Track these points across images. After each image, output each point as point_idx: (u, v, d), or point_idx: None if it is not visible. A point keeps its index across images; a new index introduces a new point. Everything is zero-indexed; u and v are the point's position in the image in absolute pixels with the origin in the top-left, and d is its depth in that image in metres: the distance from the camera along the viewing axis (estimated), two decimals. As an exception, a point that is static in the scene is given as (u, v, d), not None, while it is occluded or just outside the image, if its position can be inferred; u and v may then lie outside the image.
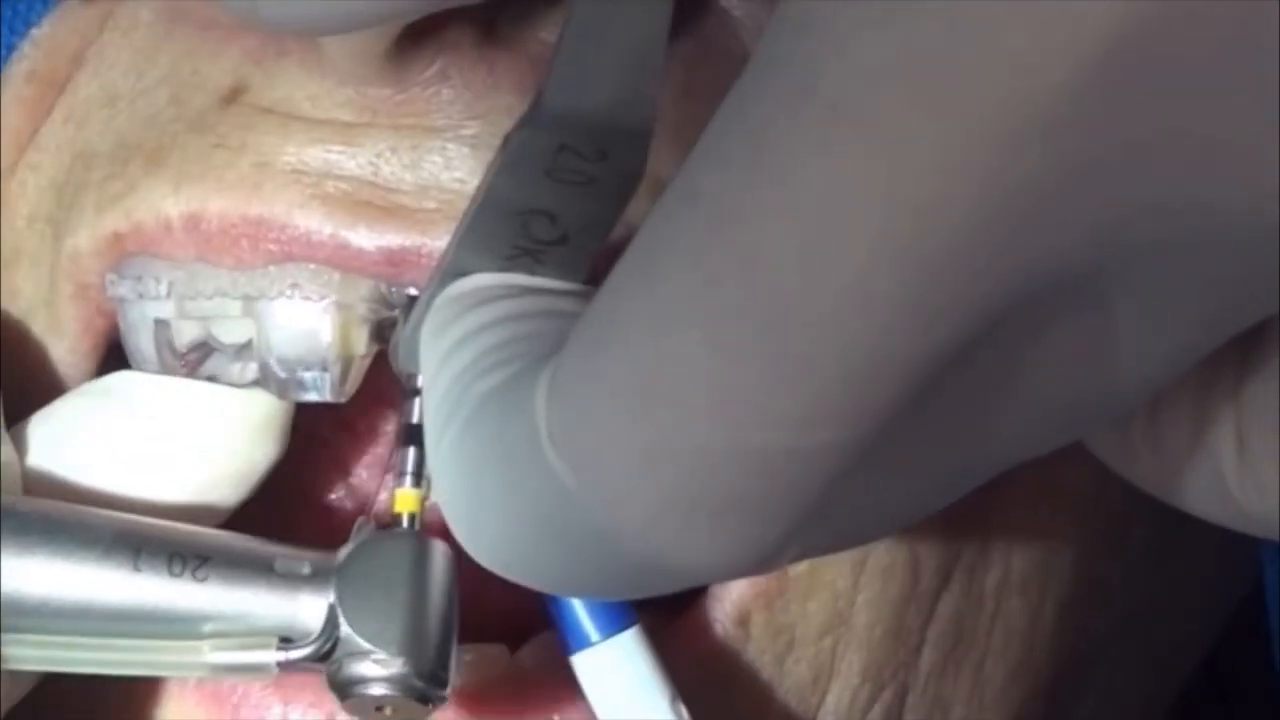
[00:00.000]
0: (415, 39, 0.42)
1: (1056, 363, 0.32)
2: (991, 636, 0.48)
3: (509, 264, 0.39)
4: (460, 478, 0.36)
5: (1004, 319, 0.30)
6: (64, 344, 0.46)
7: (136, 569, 0.40)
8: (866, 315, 0.29)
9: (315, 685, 0.42)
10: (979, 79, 0.28)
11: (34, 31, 0.45)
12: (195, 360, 0.45)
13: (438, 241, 0.42)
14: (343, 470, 0.49)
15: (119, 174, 0.44)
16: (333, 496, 0.49)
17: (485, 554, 0.36)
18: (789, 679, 0.46)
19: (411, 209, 0.43)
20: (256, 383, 0.44)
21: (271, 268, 0.43)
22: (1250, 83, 0.28)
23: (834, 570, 0.45)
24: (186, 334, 0.44)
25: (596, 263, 0.39)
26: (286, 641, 0.41)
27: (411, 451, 0.43)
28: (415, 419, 0.43)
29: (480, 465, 0.35)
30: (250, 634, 0.40)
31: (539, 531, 0.34)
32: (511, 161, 0.38)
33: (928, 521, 0.36)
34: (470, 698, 0.43)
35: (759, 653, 0.45)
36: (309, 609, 0.41)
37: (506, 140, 0.38)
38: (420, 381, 0.40)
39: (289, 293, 0.43)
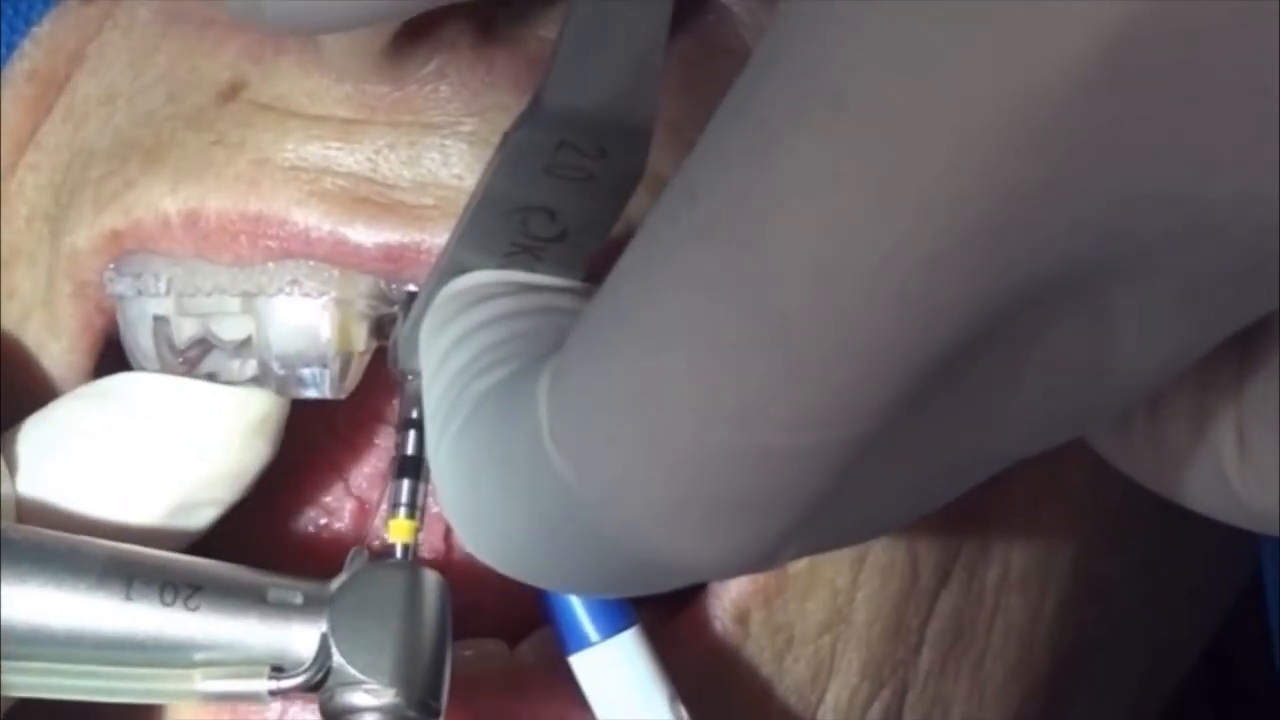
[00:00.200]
0: (413, 36, 0.42)
1: (1057, 360, 0.32)
2: (991, 634, 0.48)
3: (508, 261, 0.39)
4: (460, 475, 0.36)
5: (1004, 317, 0.30)
6: (62, 343, 0.46)
7: (128, 598, 0.40)
8: (867, 313, 0.29)
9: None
10: (980, 79, 0.28)
11: (34, 31, 0.45)
12: (194, 357, 0.45)
13: (436, 238, 0.42)
14: (338, 471, 0.49)
15: (117, 172, 0.44)
16: (329, 499, 0.49)
17: (485, 550, 0.36)
18: (788, 676, 0.46)
19: (410, 205, 0.43)
20: (256, 379, 0.44)
21: (270, 264, 0.43)
22: (1250, 82, 0.28)
23: (833, 568, 0.45)
24: (185, 331, 0.44)
25: (596, 260, 0.39)
26: (279, 670, 0.41)
27: (406, 483, 0.43)
28: (410, 451, 0.43)
29: (481, 463, 0.35)
30: (242, 663, 0.41)
31: (539, 528, 0.34)
32: (511, 158, 0.38)
33: (927, 519, 0.36)
34: (469, 694, 0.43)
35: (758, 650, 0.45)
36: (301, 638, 0.41)
37: (506, 137, 0.38)
38: (420, 381, 0.40)
39: (288, 289, 0.43)
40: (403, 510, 0.43)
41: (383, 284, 0.43)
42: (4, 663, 0.40)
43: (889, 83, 0.28)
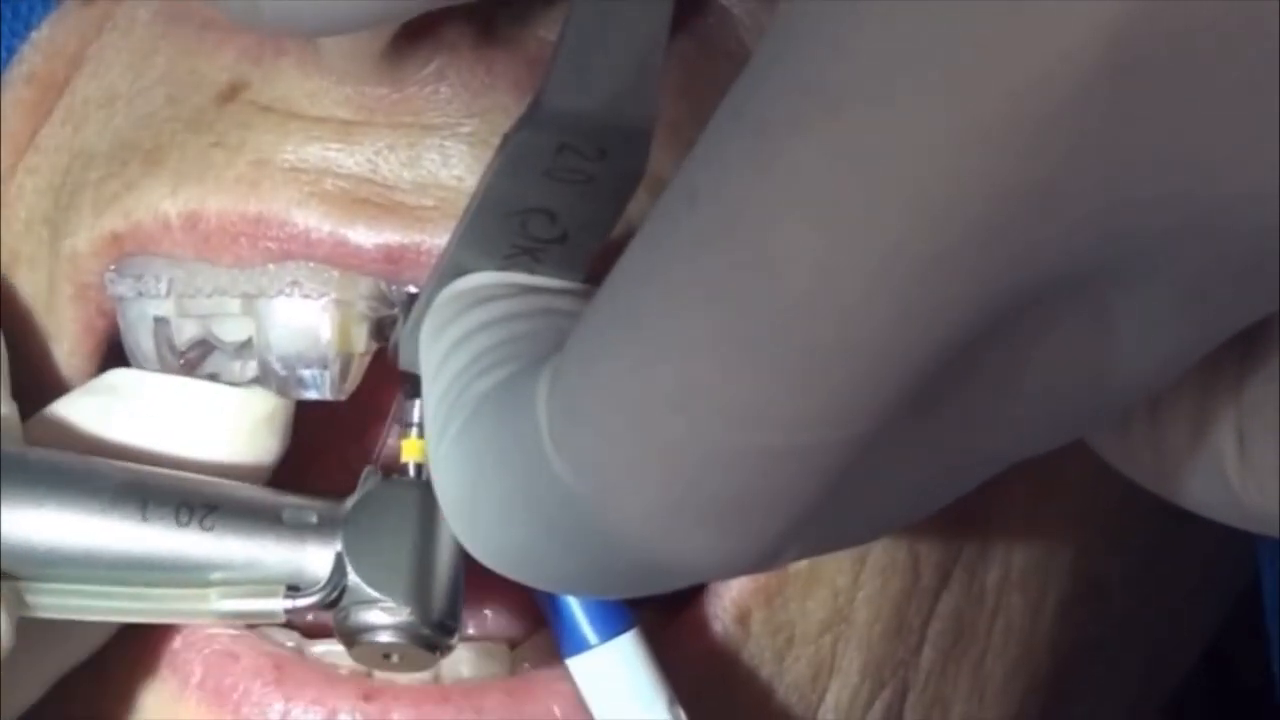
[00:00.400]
0: (412, 38, 0.42)
1: (1057, 361, 0.32)
2: (992, 634, 0.48)
3: (508, 263, 0.39)
4: (460, 476, 0.36)
5: (1004, 317, 0.30)
6: (64, 346, 0.46)
7: (144, 518, 0.40)
8: (867, 313, 0.29)
9: (317, 682, 0.43)
10: (980, 79, 0.28)
11: (33, 34, 0.45)
12: (195, 358, 0.45)
13: (436, 239, 0.42)
14: (338, 471, 0.49)
15: (117, 174, 0.44)
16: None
17: (485, 551, 0.36)
18: (789, 676, 0.46)
19: (410, 206, 0.43)
20: (256, 380, 0.44)
21: (270, 266, 0.43)
22: (1250, 82, 0.28)
23: (834, 568, 0.45)
24: (186, 332, 0.44)
25: (595, 262, 0.39)
26: (294, 589, 0.41)
27: (417, 402, 0.43)
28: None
29: (480, 464, 0.35)
30: (258, 582, 0.41)
31: (539, 529, 0.34)
32: (511, 160, 0.38)
33: (928, 519, 0.36)
34: (470, 695, 0.43)
35: (759, 650, 0.45)
36: (316, 558, 0.41)
37: (506, 139, 0.38)
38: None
39: (288, 290, 0.43)
40: (414, 430, 0.43)
41: (383, 285, 0.43)
42: (21, 583, 0.40)
43: (889, 84, 0.28)
